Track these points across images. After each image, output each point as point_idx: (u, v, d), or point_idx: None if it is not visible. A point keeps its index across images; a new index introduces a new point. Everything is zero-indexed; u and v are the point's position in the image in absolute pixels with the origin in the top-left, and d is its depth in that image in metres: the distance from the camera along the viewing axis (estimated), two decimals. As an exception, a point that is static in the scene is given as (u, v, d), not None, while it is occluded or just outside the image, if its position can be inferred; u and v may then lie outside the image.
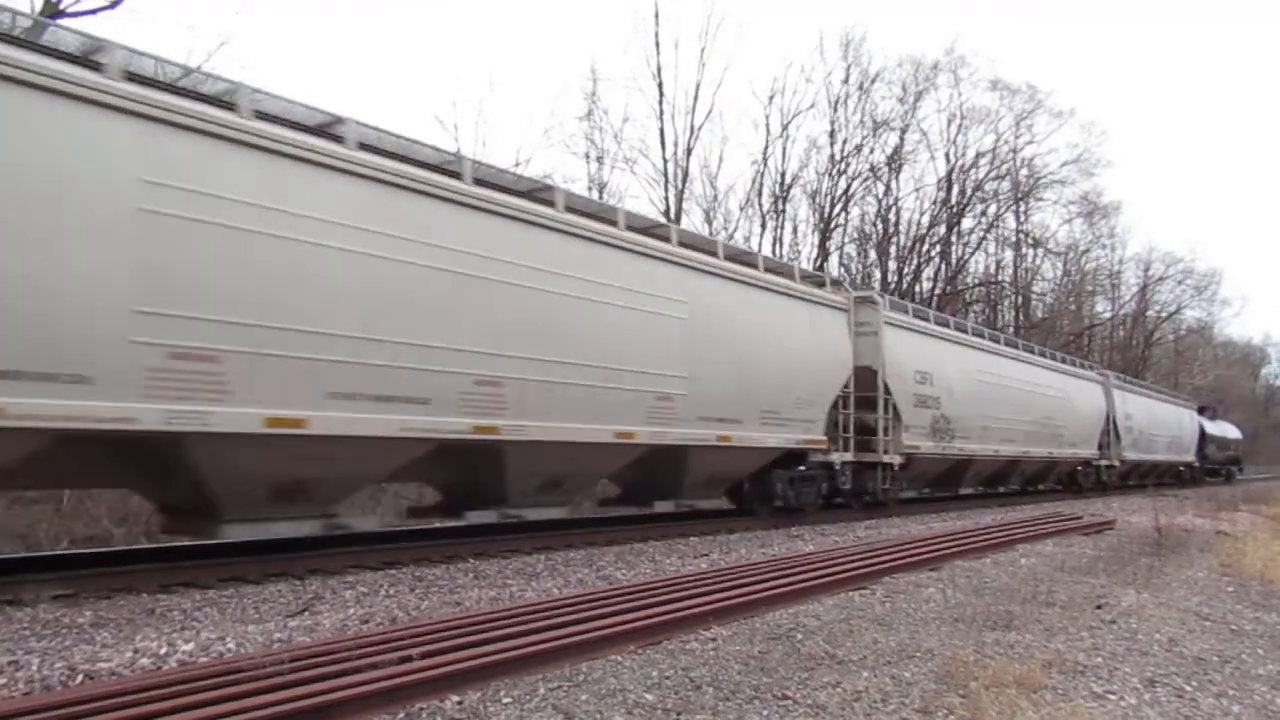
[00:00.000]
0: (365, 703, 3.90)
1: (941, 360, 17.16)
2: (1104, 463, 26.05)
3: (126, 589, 6.72)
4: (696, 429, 11.26)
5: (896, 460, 15.38)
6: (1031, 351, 22.93)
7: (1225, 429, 42.84)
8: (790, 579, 7.31)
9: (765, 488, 13.29)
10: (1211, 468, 39.69)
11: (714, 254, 12.10)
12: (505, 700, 4.17)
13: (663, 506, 11.68)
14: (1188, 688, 4.89)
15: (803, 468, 13.76)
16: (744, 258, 13.12)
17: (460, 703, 4.10)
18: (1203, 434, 37.85)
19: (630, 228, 10.80)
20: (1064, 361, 25.08)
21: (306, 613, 6.10)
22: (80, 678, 4.38)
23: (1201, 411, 39.95)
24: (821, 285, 14.60)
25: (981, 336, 20.29)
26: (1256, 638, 6.41)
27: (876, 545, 10.17)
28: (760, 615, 6.23)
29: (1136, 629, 6.32)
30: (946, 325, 18.62)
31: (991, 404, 18.88)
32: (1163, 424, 31.99)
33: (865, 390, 14.97)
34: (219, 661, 4.60)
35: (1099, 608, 7.07)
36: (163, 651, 4.85)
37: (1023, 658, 5.26)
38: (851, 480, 14.86)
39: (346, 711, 3.82)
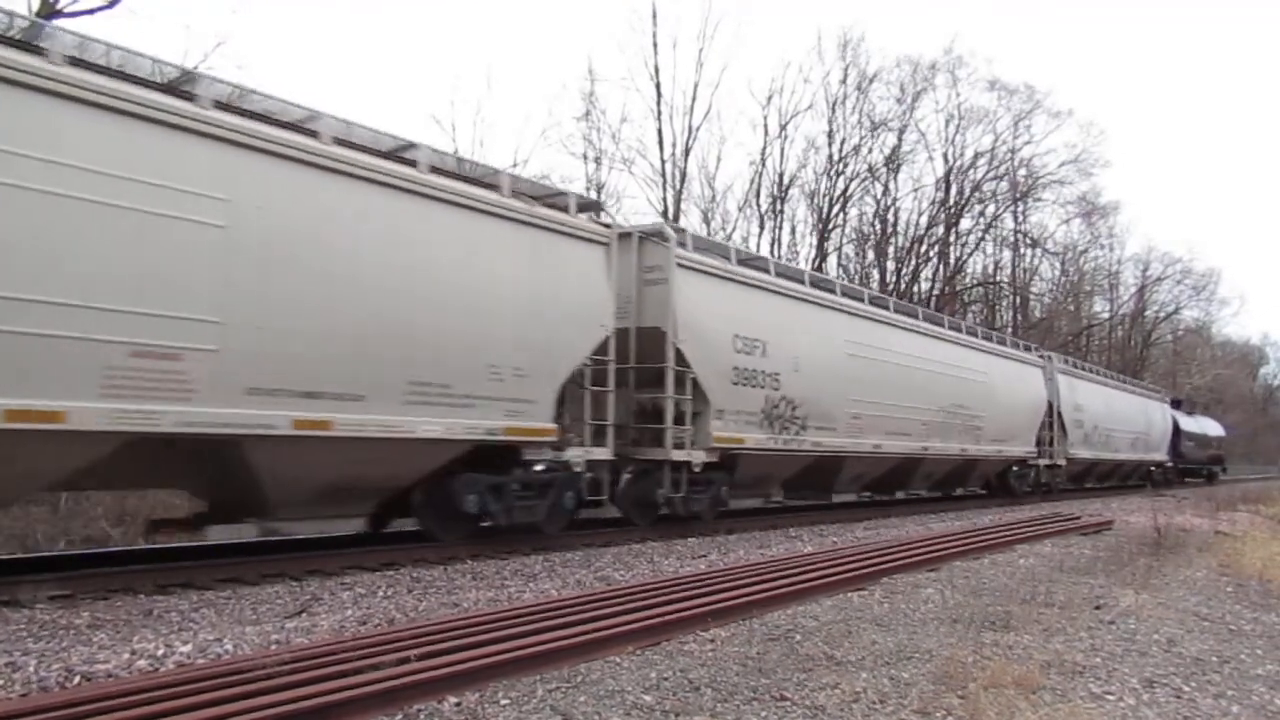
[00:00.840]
0: (363, 704, 3.90)
1: (783, 324, 12.99)
2: (1044, 462, 21.88)
3: (124, 590, 6.70)
4: (247, 408, 7.07)
5: (698, 458, 11.38)
6: (939, 324, 18.29)
7: (1204, 425, 39.53)
8: (788, 580, 7.31)
9: (452, 500, 8.97)
10: (1188, 468, 36.44)
11: (311, 134, 7.75)
12: (503, 701, 4.17)
13: (235, 534, 8.03)
14: (1186, 688, 4.90)
15: (540, 468, 9.74)
16: (399, 152, 8.64)
17: (458, 704, 4.09)
18: (1177, 430, 34.19)
19: (78, 62, 6.51)
20: (988, 339, 20.44)
21: (304, 614, 6.09)
22: (77, 679, 4.37)
23: (1177, 405, 36.81)
24: (563, 208, 10.03)
25: (859, 299, 15.52)
26: (1255, 638, 6.42)
27: (875, 546, 10.18)
28: (758, 616, 6.23)
29: (1135, 629, 6.33)
30: (799, 280, 14.03)
31: (868, 386, 14.67)
32: (1125, 418, 27.96)
33: (654, 361, 11.09)
34: (217, 663, 4.59)
35: (1098, 608, 7.08)
36: (160, 653, 4.84)
37: (1021, 658, 5.26)
38: (632, 486, 11.17)
39: (344, 713, 3.82)
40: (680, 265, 11.23)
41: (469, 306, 8.79)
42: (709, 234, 28.58)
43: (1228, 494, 26.29)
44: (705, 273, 11.75)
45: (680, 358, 11.14)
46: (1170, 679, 5.05)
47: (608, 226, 10.68)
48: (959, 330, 19.11)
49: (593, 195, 11.11)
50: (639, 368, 11.18)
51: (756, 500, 14.33)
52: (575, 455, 10.02)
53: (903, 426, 15.72)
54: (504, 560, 8.93)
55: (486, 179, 9.46)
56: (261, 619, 5.91)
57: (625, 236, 11.13)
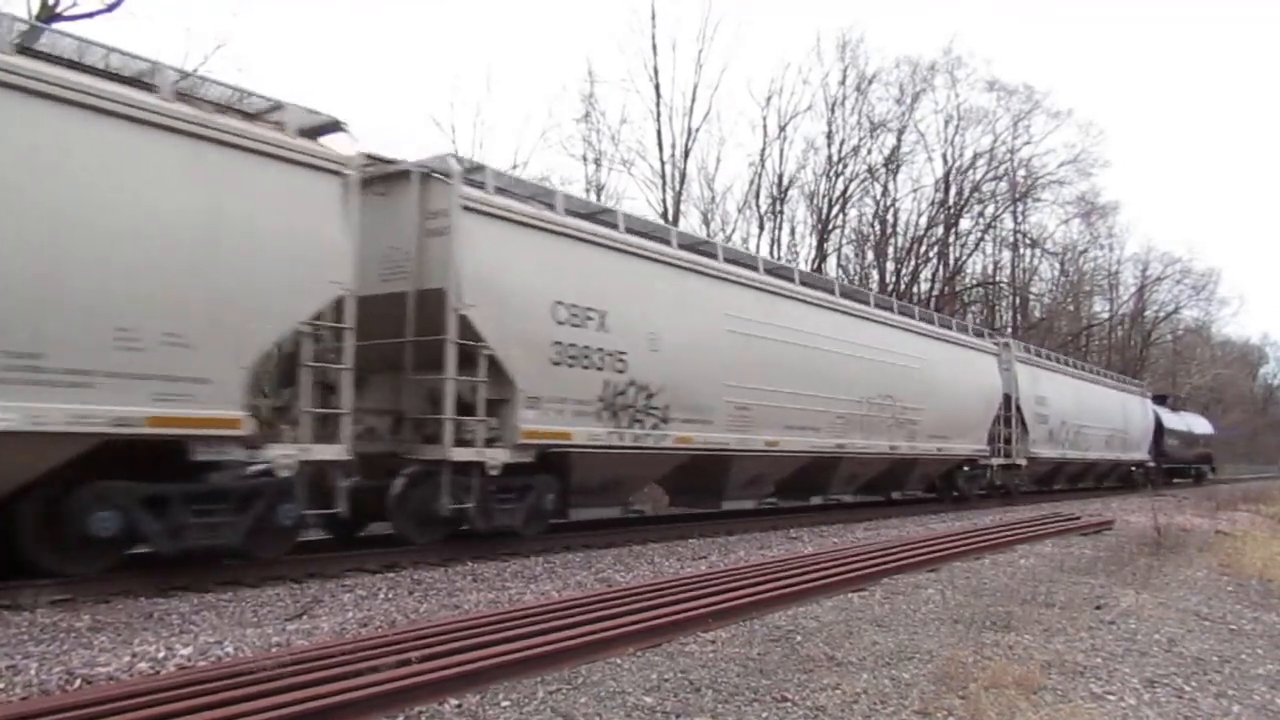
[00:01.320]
0: (364, 706, 3.90)
1: (634, 292, 10.60)
2: (998, 461, 19.34)
3: (124, 593, 6.69)
4: None
5: (496, 458, 8.96)
6: (863, 301, 15.77)
7: (1191, 422, 37.10)
8: (789, 581, 7.31)
9: (76, 520, 6.53)
10: (1173, 467, 34.05)
11: None
12: (504, 703, 4.17)
13: None
14: (1187, 688, 4.90)
15: (260, 468, 7.42)
16: None
17: (459, 706, 4.10)
18: (1160, 427, 31.63)
19: None
20: (928, 321, 17.84)
21: (305, 616, 6.09)
22: (78, 682, 4.37)
23: (1162, 401, 34.41)
24: (278, 125, 7.57)
25: (750, 267, 13.03)
26: (1256, 637, 6.43)
27: (875, 546, 10.18)
28: (759, 617, 6.23)
29: (1136, 629, 6.33)
30: (662, 240, 11.51)
31: (760, 371, 12.36)
32: (1098, 413, 25.43)
33: (429, 332, 8.71)
34: (218, 665, 4.59)
35: (1098, 608, 7.08)
36: (161, 655, 4.84)
37: (1022, 659, 5.27)
38: (410, 495, 8.64)
39: (345, 715, 3.82)
40: (470, 209, 8.87)
41: (72, 240, 6.28)
42: (709, 235, 28.52)
43: (1228, 493, 26.24)
44: (513, 221, 9.35)
45: (468, 328, 8.76)
46: (1171, 679, 5.06)
47: (344, 151, 8.10)
48: (889, 309, 16.49)
49: (331, 116, 7.83)
50: (419, 341, 8.80)
51: (613, 510, 11.45)
52: (281, 455, 7.44)
53: (810, 420, 13.39)
54: (504, 562, 8.92)
55: (140, 75, 7.02)
56: (262, 621, 5.92)
57: (398, 176, 9.08)
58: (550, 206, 10.03)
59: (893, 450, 15.60)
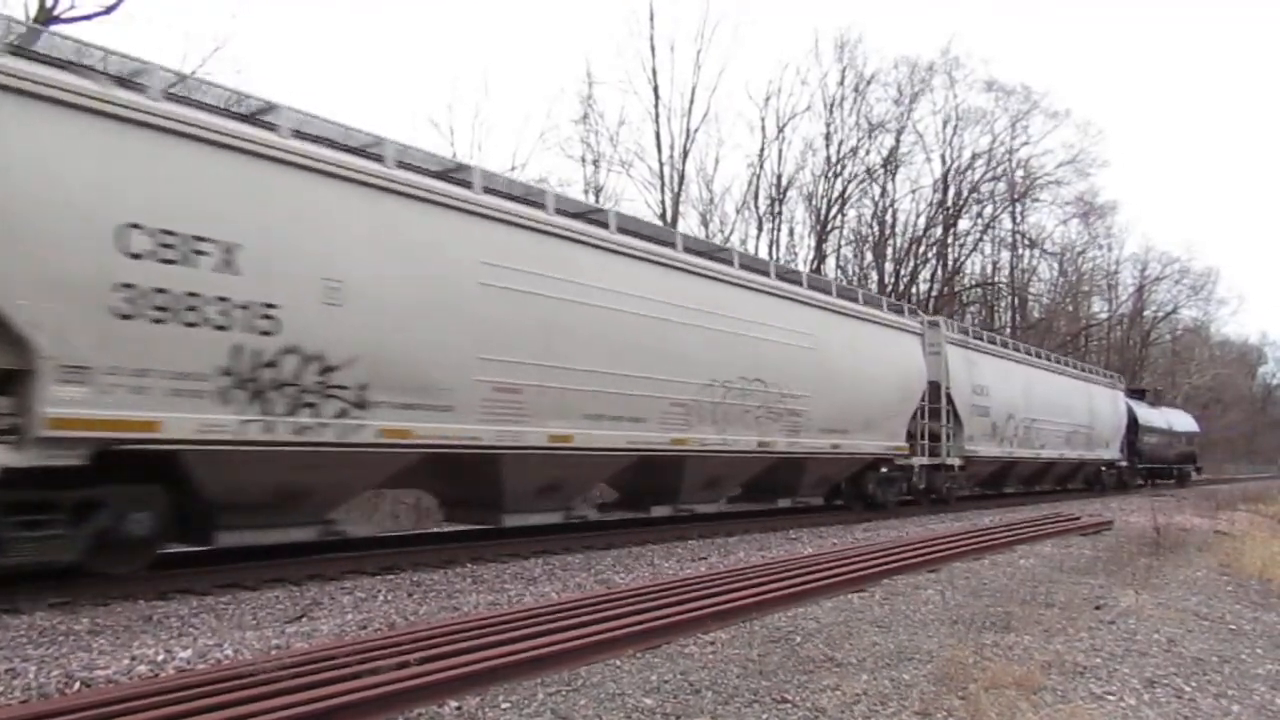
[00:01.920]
0: (363, 708, 3.89)
1: (301, 219, 7.50)
2: (922, 462, 16.42)
3: (123, 596, 6.69)
4: None
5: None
6: (724, 260, 12.46)
7: (1171, 418, 33.89)
8: (788, 582, 7.31)
9: None
10: (1151, 468, 31.38)
11: None
12: (504, 705, 4.16)
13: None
14: (1187, 688, 4.90)
15: None
16: None
17: (459, 708, 4.09)
18: (1135, 423, 28.81)
19: None
20: (823, 289, 14.52)
21: (304, 618, 6.09)
22: (77, 685, 4.37)
23: (1139, 395, 32.22)
24: None
25: (535, 204, 9.79)
26: (1255, 637, 6.43)
27: (875, 547, 10.17)
28: (759, 618, 6.23)
29: (1135, 629, 6.33)
30: (375, 158, 8.28)
31: (548, 340, 9.43)
32: (1056, 406, 22.41)
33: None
34: (217, 667, 4.59)
35: (1098, 608, 7.08)
36: (160, 658, 4.84)
37: (1022, 659, 5.27)
38: None
39: (345, 717, 3.82)
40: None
41: None
42: (706, 236, 28.43)
43: (1227, 493, 26.22)
44: (37, 97, 6.08)
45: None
46: (1171, 679, 5.06)
47: None
48: (764, 273, 13.15)
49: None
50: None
51: (305, 532, 7.97)
52: None
53: (630, 408, 10.34)
54: (504, 564, 8.92)
55: None
56: (261, 624, 5.91)
57: None
58: (135, 87, 6.83)
59: (764, 448, 12.42)
